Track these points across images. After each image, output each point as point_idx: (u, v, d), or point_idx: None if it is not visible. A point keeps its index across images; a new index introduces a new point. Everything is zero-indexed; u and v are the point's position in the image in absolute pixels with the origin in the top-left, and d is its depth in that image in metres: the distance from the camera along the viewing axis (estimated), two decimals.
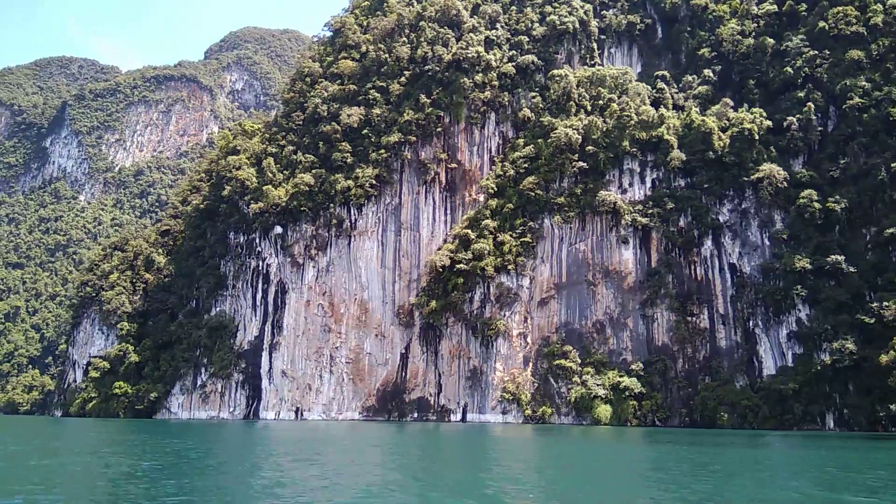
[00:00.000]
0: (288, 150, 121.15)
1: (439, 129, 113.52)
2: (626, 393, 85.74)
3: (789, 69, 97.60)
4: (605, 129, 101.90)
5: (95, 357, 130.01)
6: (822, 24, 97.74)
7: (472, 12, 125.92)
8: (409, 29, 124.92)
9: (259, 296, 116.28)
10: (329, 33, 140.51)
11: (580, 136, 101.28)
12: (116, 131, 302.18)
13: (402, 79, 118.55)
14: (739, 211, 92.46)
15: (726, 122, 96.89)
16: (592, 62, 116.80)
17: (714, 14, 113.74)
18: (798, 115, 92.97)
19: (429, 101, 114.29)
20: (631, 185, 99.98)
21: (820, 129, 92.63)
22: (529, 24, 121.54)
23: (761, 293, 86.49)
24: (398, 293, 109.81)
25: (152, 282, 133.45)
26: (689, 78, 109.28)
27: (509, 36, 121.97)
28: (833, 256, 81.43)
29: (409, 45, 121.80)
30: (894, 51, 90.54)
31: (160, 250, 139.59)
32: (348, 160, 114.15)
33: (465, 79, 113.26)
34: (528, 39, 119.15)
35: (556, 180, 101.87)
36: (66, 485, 22.08)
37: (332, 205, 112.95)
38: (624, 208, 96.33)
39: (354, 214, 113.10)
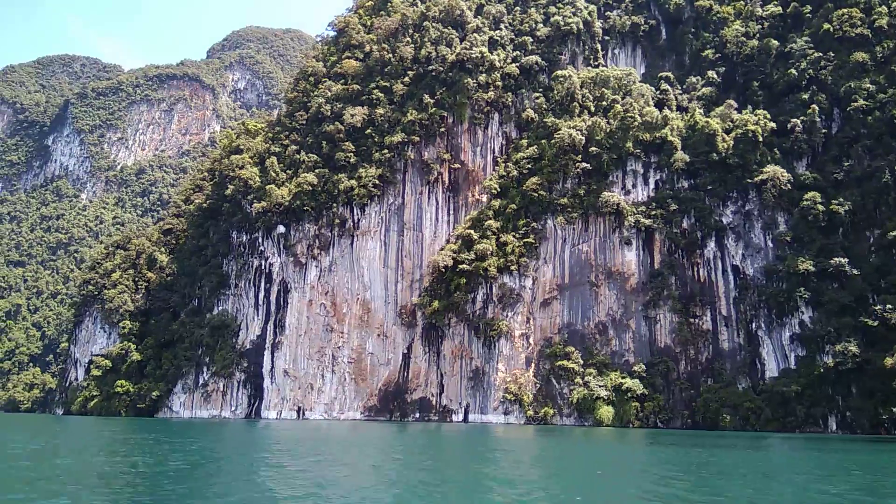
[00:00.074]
0: (291, 150, 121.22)
1: (443, 130, 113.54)
2: (629, 394, 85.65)
3: (793, 71, 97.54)
4: (608, 130, 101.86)
5: (97, 355, 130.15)
6: (826, 25, 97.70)
7: (476, 12, 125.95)
8: (413, 29, 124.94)
9: (261, 295, 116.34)
10: (333, 33, 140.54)
11: (584, 137, 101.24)
12: (118, 130, 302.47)
13: (406, 79, 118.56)
14: (743, 213, 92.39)
15: (730, 123, 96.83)
16: (596, 63, 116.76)
17: (718, 15, 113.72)
18: (802, 117, 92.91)
19: (432, 101, 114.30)
20: (634, 186, 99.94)
21: (824, 131, 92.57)
22: (533, 25, 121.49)
23: (764, 295, 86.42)
24: (401, 293, 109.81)
25: (155, 280, 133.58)
26: (693, 79, 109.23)
27: (513, 36, 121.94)
28: (836, 259, 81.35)
29: (412, 45, 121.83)
30: None
31: (163, 249, 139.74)
32: (351, 160, 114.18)
33: (469, 79, 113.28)
34: (531, 40, 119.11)
35: (559, 181, 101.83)
36: (103, 485, 21.64)
37: (335, 204, 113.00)
38: (627, 209, 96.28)
39: (357, 214, 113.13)
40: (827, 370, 76.77)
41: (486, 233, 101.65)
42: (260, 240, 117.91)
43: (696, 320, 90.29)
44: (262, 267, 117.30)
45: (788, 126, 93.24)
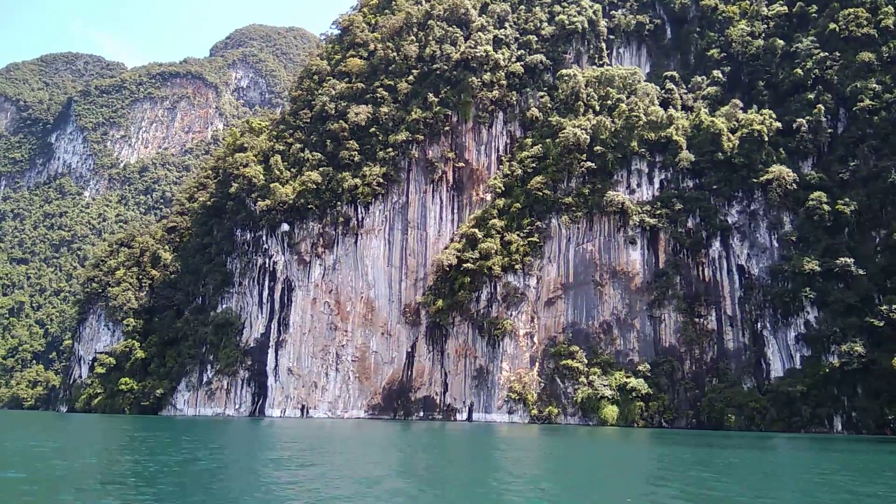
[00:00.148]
0: (295, 148, 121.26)
1: (447, 128, 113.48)
2: (633, 394, 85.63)
3: (799, 71, 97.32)
4: (613, 129, 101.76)
5: (101, 353, 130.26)
6: (832, 25, 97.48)
7: (481, 11, 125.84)
8: (418, 27, 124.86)
9: (265, 293, 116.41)
10: (337, 31, 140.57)
11: (588, 136, 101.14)
12: (122, 127, 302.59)
13: (410, 77, 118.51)
14: (748, 212, 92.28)
15: (735, 123, 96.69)
16: (601, 62, 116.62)
17: (724, 15, 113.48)
18: (808, 117, 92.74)
19: (437, 99, 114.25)
20: (639, 185, 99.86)
21: (830, 131, 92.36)
22: (538, 24, 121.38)
23: (769, 295, 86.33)
24: (404, 292, 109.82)
25: (158, 278, 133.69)
26: (699, 79, 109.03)
27: (518, 35, 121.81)
28: (842, 259, 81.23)
29: (417, 44, 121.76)
30: None
31: (167, 247, 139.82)
32: (356, 158, 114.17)
33: (474, 78, 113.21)
34: (536, 39, 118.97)
35: (563, 180, 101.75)
36: (146, 484, 21.30)
37: (339, 203, 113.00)
38: (632, 209, 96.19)
39: (361, 213, 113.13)
40: (832, 370, 76.71)
41: (490, 232, 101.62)
42: (264, 238, 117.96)
43: (701, 320, 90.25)
44: (266, 265, 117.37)
45: (794, 126, 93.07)
